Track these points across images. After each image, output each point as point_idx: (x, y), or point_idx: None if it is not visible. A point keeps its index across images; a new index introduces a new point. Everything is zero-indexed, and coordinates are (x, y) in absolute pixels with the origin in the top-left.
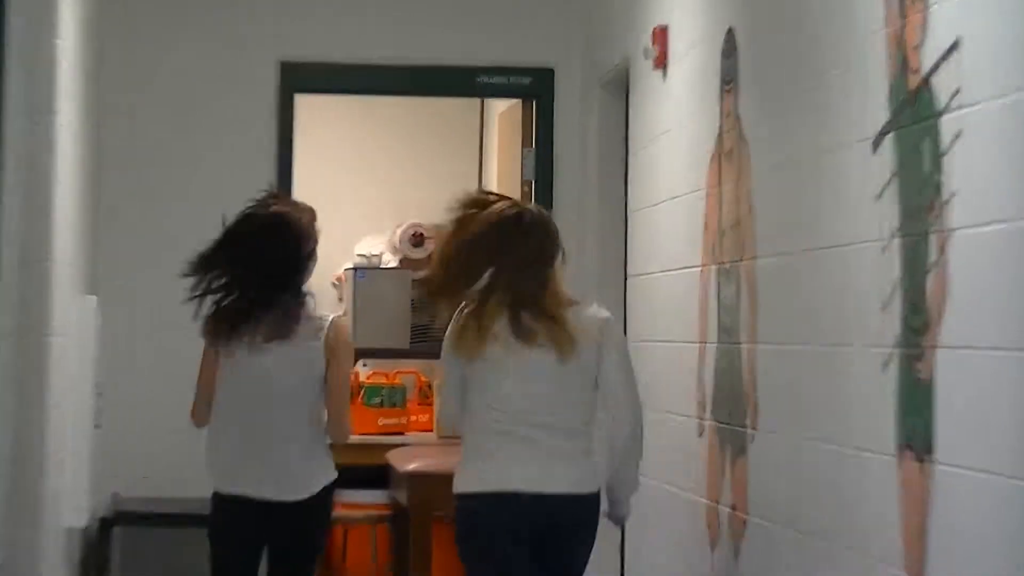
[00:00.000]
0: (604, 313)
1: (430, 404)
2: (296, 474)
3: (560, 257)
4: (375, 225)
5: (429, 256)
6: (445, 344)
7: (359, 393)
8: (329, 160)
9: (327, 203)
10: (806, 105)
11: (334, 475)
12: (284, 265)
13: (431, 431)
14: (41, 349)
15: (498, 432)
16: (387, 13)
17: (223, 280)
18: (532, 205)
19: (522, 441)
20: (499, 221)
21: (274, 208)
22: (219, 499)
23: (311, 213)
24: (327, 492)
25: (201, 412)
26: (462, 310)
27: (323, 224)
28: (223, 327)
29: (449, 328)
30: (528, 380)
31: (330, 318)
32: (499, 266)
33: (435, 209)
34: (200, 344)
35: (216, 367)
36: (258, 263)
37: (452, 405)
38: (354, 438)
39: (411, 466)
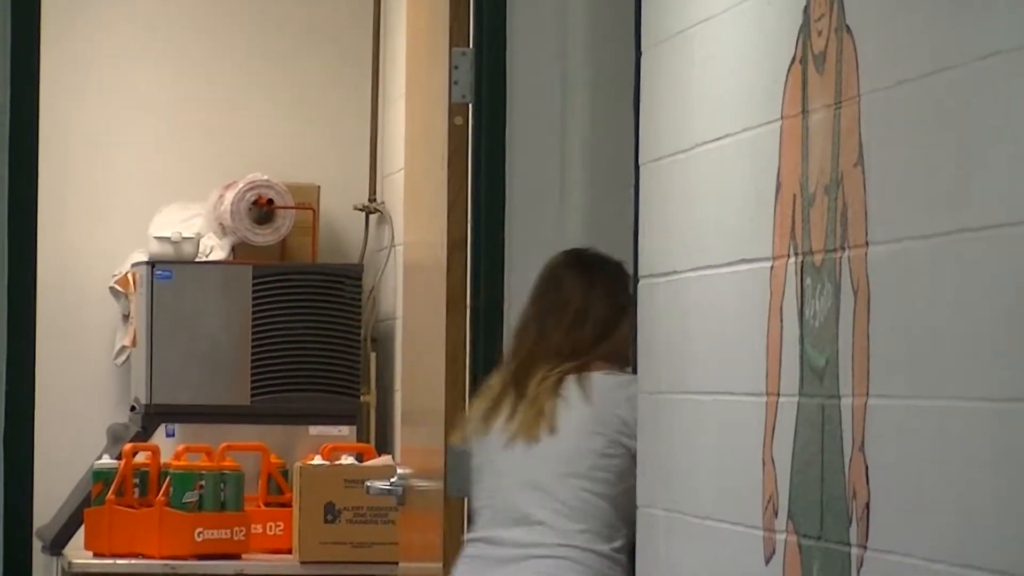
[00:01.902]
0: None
1: (286, 504)
2: None
3: None
4: (187, 187)
5: (284, 240)
6: None
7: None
8: (110, 75)
9: (103, 152)
10: None
11: None
12: None
13: (287, 551)
14: None
15: None
16: None
17: None
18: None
19: None
20: None
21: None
22: None
23: None
24: None
25: None
26: None
27: (97, 190)
28: None
29: None
30: None
31: None
32: None
33: (293, 161)
34: None
35: None
36: None
37: None
38: (145, 566)
39: None
